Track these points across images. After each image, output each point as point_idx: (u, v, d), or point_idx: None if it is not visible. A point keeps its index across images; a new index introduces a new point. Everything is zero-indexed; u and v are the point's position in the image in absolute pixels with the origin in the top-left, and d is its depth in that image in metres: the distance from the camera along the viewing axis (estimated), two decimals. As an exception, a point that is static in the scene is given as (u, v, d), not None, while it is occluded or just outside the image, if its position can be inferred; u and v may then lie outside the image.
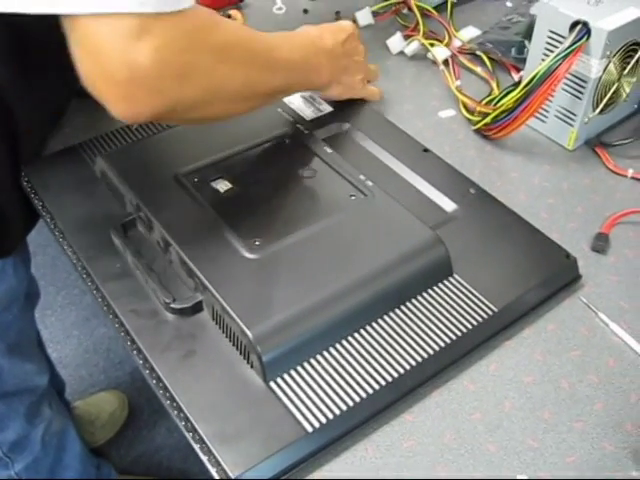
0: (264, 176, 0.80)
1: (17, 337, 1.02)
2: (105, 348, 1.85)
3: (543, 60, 0.86)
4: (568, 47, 0.83)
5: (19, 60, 0.78)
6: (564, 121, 0.93)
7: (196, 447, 0.59)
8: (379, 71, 1.00)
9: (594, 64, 0.85)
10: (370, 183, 0.77)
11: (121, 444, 1.65)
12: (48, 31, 0.59)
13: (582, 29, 0.84)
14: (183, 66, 0.61)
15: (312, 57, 0.84)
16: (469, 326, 0.67)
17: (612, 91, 0.91)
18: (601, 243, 0.79)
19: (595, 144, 0.93)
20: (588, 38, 0.84)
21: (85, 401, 1.65)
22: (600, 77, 0.87)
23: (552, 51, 0.86)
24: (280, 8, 1.23)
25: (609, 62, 0.87)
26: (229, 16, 1.15)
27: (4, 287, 0.94)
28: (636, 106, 0.99)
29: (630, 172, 0.89)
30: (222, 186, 0.77)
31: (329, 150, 0.82)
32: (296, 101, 0.95)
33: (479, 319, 0.68)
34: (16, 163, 0.85)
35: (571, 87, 0.90)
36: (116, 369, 1.80)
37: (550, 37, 0.89)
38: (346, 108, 0.94)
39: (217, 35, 0.65)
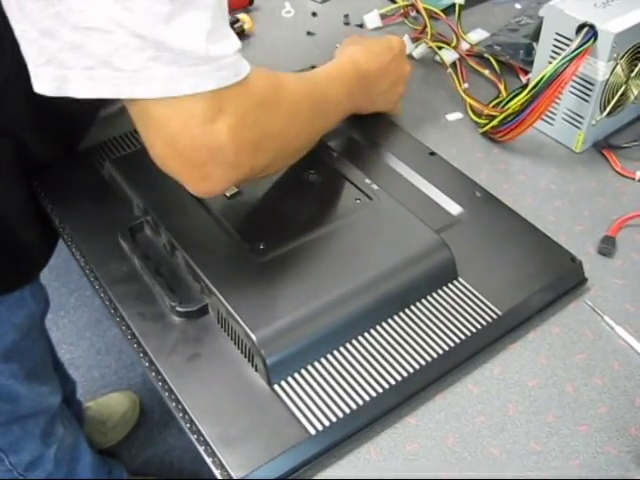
0: (270, 180, 0.80)
1: (35, 361, 1.02)
2: (117, 349, 1.87)
3: (550, 63, 0.86)
4: (575, 50, 0.83)
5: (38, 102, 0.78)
6: (571, 124, 0.92)
7: (200, 449, 0.59)
8: None
9: (601, 67, 0.85)
10: (376, 187, 0.77)
11: (132, 445, 1.67)
12: None
13: (589, 32, 0.84)
14: (257, 137, 0.61)
15: (356, 89, 0.84)
16: (473, 329, 0.67)
17: (620, 93, 0.90)
18: (607, 246, 0.79)
19: (603, 146, 0.93)
20: (595, 41, 0.84)
21: (97, 402, 1.66)
22: (607, 80, 0.87)
23: (559, 54, 0.86)
24: (289, 11, 1.24)
25: (616, 65, 0.86)
26: (237, 20, 1.15)
27: (24, 314, 0.94)
28: (644, 108, 0.99)
29: (638, 174, 0.88)
30: (228, 190, 0.78)
31: (335, 154, 0.82)
32: (303, 105, 0.95)
33: (483, 322, 0.68)
34: (33, 196, 0.85)
35: (578, 90, 0.90)
36: (128, 370, 1.82)
37: (557, 40, 0.89)
38: (353, 112, 0.95)
39: (284, 96, 0.66)
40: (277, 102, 0.64)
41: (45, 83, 0.53)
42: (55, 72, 0.53)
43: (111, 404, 1.66)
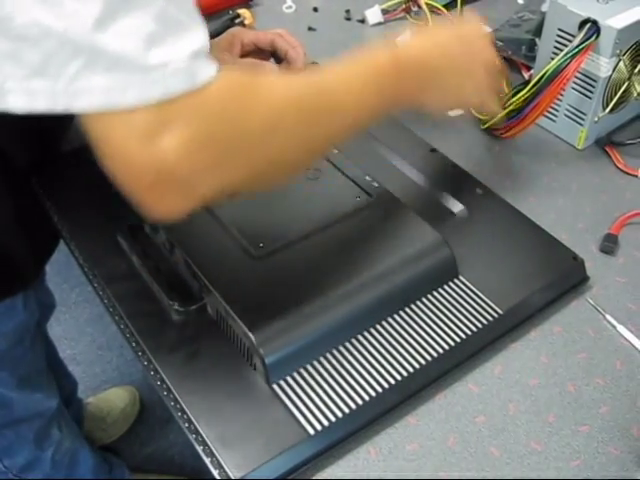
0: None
1: (28, 369, 1.01)
2: (118, 345, 1.86)
3: (552, 59, 0.85)
4: (577, 46, 0.83)
5: None
6: (574, 120, 0.92)
7: (199, 449, 0.59)
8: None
9: (604, 63, 0.85)
10: (376, 184, 0.77)
11: (134, 441, 1.66)
12: None
13: (591, 27, 0.83)
14: (219, 153, 0.52)
15: (395, 82, 0.67)
16: (474, 328, 0.67)
17: (622, 90, 0.90)
18: (610, 244, 0.79)
19: (605, 143, 0.93)
20: (597, 37, 0.83)
21: (97, 397, 1.66)
22: (610, 76, 0.87)
23: (561, 50, 0.86)
24: (290, 7, 1.23)
25: (619, 61, 0.86)
26: (238, 15, 1.15)
27: (13, 323, 0.93)
28: (647, 105, 0.98)
29: (641, 172, 0.88)
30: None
31: (335, 151, 0.82)
32: (304, 101, 0.95)
33: (484, 321, 0.68)
34: (15, 203, 0.83)
35: (581, 86, 0.89)
36: (129, 366, 1.81)
37: (559, 35, 0.88)
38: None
39: (259, 103, 0.54)
40: (247, 110, 0.53)
41: None
42: None
43: (111, 399, 1.65)
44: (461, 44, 0.73)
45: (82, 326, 1.93)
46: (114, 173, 0.52)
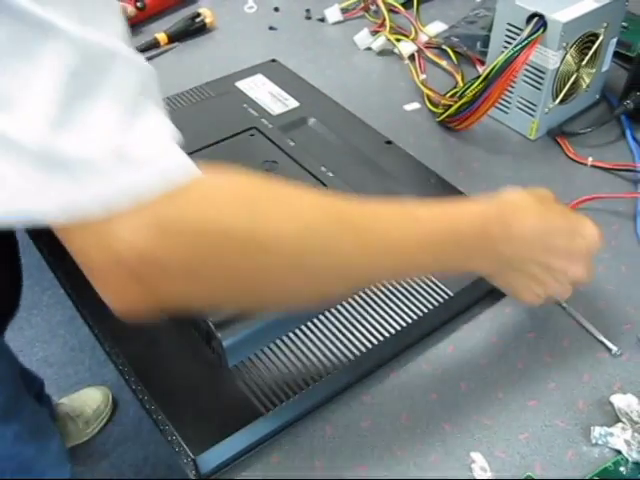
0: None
1: None
2: (91, 346, 1.86)
3: (503, 52, 0.88)
4: (525, 39, 0.86)
5: None
6: (525, 112, 0.95)
7: (159, 429, 0.61)
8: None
9: (551, 55, 0.87)
10: (331, 174, 0.79)
11: (107, 440, 1.67)
12: None
13: (539, 21, 0.86)
14: (189, 258, 0.43)
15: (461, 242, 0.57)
16: (426, 310, 0.69)
17: (571, 82, 0.93)
18: (559, 229, 0.81)
19: (557, 134, 0.95)
20: (545, 30, 0.86)
21: (69, 397, 1.66)
22: (558, 68, 0.89)
23: (511, 44, 0.88)
24: (251, 7, 1.25)
25: (566, 53, 0.89)
26: (198, 14, 1.16)
27: None
28: (598, 96, 1.02)
29: (590, 160, 0.91)
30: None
31: (292, 143, 0.84)
32: (262, 96, 0.97)
33: (435, 303, 0.70)
34: None
35: (531, 78, 0.92)
36: (102, 366, 1.82)
37: (509, 30, 0.91)
38: (312, 103, 0.96)
39: (267, 219, 0.45)
40: (243, 222, 0.45)
41: None
42: None
43: (84, 399, 1.66)
44: (569, 248, 0.62)
45: (54, 328, 1.93)
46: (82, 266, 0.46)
